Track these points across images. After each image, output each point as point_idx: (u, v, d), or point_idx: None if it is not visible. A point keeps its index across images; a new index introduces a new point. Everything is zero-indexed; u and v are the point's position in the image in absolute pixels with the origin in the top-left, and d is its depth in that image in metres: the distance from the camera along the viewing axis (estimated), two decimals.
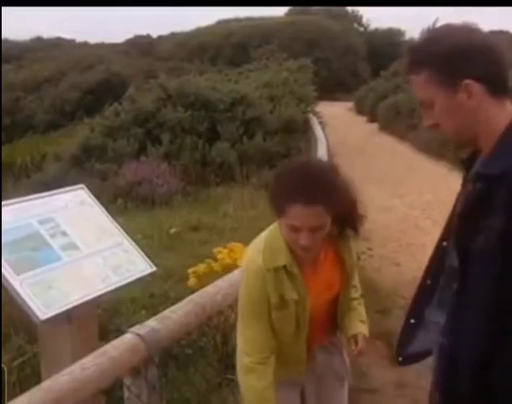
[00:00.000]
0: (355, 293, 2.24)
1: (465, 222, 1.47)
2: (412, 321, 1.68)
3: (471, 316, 1.44)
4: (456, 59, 1.42)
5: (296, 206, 1.81)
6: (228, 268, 3.98)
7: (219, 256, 4.16)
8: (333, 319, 2.17)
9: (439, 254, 1.65)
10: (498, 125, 1.44)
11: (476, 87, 1.42)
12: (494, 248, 1.37)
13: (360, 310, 2.22)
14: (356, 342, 2.13)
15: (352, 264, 2.11)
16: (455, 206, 1.59)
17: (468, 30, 1.46)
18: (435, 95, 1.46)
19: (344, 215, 1.98)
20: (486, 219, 1.38)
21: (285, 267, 1.96)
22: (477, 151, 1.55)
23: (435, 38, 1.47)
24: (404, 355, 1.72)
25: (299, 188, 1.83)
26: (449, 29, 1.48)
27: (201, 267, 4.15)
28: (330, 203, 1.83)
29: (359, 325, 2.17)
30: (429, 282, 1.61)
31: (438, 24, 1.51)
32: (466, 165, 1.59)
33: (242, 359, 2.02)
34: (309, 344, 2.11)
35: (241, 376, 2.04)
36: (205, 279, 3.96)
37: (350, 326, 2.17)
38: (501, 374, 1.40)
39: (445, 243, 1.62)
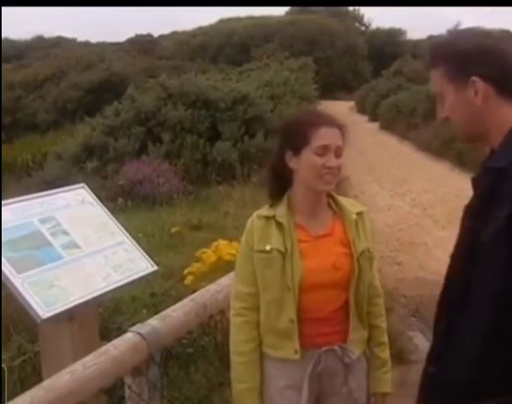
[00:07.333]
0: (378, 306, 2.18)
1: (473, 215, 1.49)
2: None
3: (467, 331, 1.42)
4: (469, 59, 1.52)
5: (323, 128, 1.99)
6: (214, 265, 4.08)
7: (203, 256, 4.29)
8: (344, 320, 2.06)
9: None
10: (507, 122, 1.52)
11: (482, 85, 1.51)
12: (500, 239, 1.38)
13: (384, 356, 2.16)
14: (377, 400, 2.13)
15: (363, 252, 2.05)
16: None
17: (484, 35, 1.57)
18: (447, 90, 1.57)
19: None
20: (493, 211, 1.41)
21: (274, 217, 2.01)
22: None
23: (455, 39, 1.62)
24: None
25: (322, 116, 2.06)
26: (468, 32, 1.61)
27: (195, 266, 4.28)
28: (345, 133, 2.03)
29: (383, 380, 2.13)
30: None
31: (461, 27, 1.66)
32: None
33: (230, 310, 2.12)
34: (311, 335, 2.01)
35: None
36: (202, 278, 4.05)
37: (374, 381, 2.13)
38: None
39: None
